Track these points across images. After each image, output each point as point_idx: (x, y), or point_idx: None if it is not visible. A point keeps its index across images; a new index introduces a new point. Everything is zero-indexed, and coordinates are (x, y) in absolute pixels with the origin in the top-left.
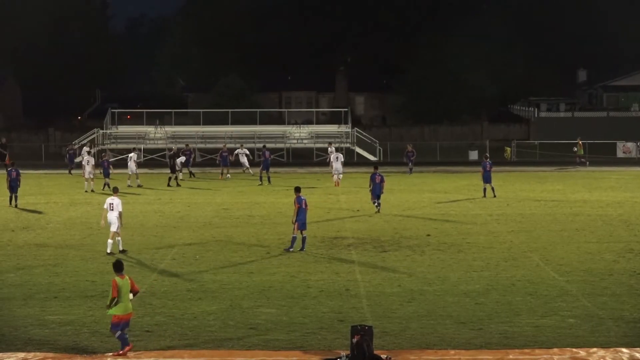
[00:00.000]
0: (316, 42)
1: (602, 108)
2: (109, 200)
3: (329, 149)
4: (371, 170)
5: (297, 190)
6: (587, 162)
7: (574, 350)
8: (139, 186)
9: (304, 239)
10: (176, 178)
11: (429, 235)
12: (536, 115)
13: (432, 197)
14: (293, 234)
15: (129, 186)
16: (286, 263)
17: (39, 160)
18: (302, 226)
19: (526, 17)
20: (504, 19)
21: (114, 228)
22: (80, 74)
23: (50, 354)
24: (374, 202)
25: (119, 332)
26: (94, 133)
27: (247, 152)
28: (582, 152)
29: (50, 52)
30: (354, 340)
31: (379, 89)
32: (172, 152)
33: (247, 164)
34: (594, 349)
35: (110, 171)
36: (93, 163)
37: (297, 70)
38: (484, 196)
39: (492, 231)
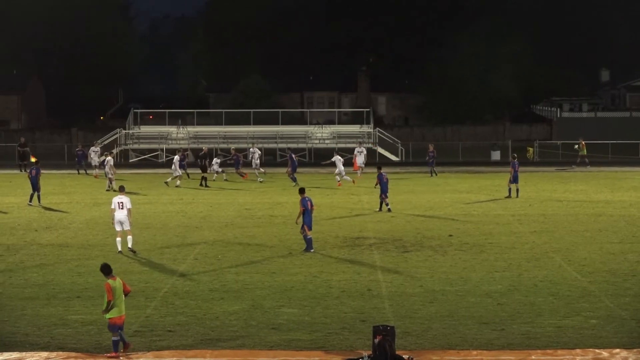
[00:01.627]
0: (338, 43)
1: (625, 108)
2: (117, 199)
3: (358, 148)
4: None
5: (302, 191)
6: (589, 163)
7: (597, 351)
8: (176, 186)
9: (309, 240)
10: (205, 179)
11: (451, 235)
12: (559, 116)
13: (454, 198)
14: (308, 236)
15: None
16: (308, 263)
17: (62, 160)
18: (309, 227)
19: (549, 17)
20: (526, 19)
21: (125, 227)
22: (103, 74)
23: (73, 354)
24: (386, 203)
25: (118, 334)
26: (116, 133)
27: (259, 152)
28: (585, 152)
29: (74, 52)
30: (376, 340)
31: (401, 89)
32: (202, 153)
33: (258, 164)
34: (617, 350)
35: (111, 170)
36: (112, 163)
37: (319, 71)
38: (509, 196)
39: (515, 231)
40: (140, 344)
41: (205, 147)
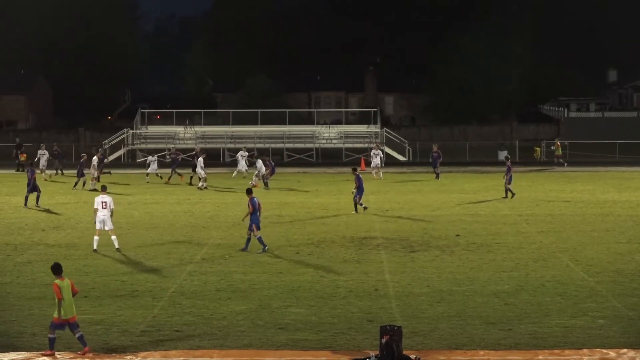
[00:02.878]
0: (345, 42)
1: (632, 108)
2: (99, 198)
3: (374, 150)
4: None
5: (249, 192)
6: (565, 163)
7: (604, 351)
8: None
9: (248, 240)
10: (200, 178)
11: (458, 235)
12: (566, 115)
13: (461, 198)
14: (257, 235)
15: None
16: (315, 263)
17: (69, 160)
18: (257, 227)
19: (556, 17)
20: (534, 19)
21: (107, 227)
22: (110, 74)
23: (80, 353)
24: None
25: (54, 333)
26: (123, 133)
27: (247, 154)
28: (560, 152)
29: (80, 52)
30: (383, 340)
31: (408, 89)
32: (194, 152)
33: (244, 166)
34: (624, 350)
35: (94, 169)
36: (95, 163)
37: (327, 71)
38: (505, 197)
39: (522, 231)
40: (148, 344)
41: (198, 146)
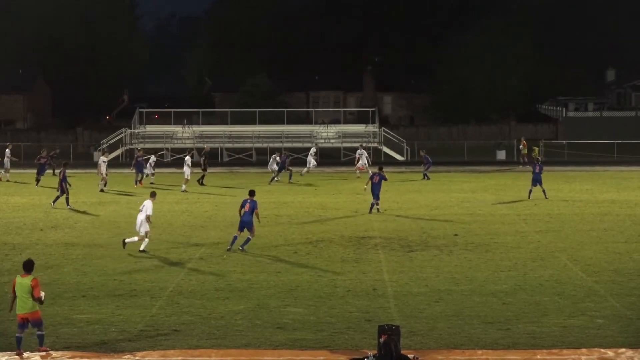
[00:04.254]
0: (344, 42)
1: (630, 107)
2: (144, 202)
3: (358, 150)
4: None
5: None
6: (527, 163)
7: (602, 350)
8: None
9: (235, 239)
10: (202, 177)
11: (456, 235)
12: (564, 115)
13: (459, 197)
14: (237, 235)
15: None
16: (313, 262)
17: (67, 160)
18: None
19: (555, 16)
20: (532, 18)
21: (141, 230)
22: (108, 74)
23: (79, 353)
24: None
25: (18, 332)
26: (122, 132)
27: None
28: (526, 152)
29: (80, 52)
30: (381, 339)
31: (407, 89)
32: (203, 152)
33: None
34: (622, 350)
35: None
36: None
37: (325, 70)
38: (529, 198)
39: (520, 231)
40: (146, 343)
41: (207, 146)
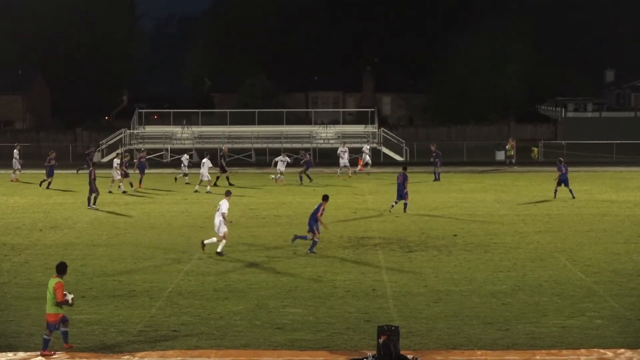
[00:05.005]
0: (343, 43)
1: (629, 108)
2: (220, 202)
3: (341, 148)
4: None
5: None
6: (515, 166)
7: (601, 351)
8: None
9: (302, 237)
10: (218, 178)
11: (455, 235)
12: (563, 115)
13: (458, 197)
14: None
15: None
16: (312, 263)
17: (66, 160)
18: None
19: (554, 17)
20: (531, 19)
21: (219, 230)
22: (108, 74)
23: (78, 353)
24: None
25: (46, 333)
26: (121, 133)
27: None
28: (513, 153)
29: (79, 52)
30: (381, 340)
31: (406, 89)
32: (221, 153)
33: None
34: (621, 350)
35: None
36: (116, 165)
37: (324, 71)
38: (555, 197)
39: (519, 231)
40: (145, 344)
41: (225, 147)
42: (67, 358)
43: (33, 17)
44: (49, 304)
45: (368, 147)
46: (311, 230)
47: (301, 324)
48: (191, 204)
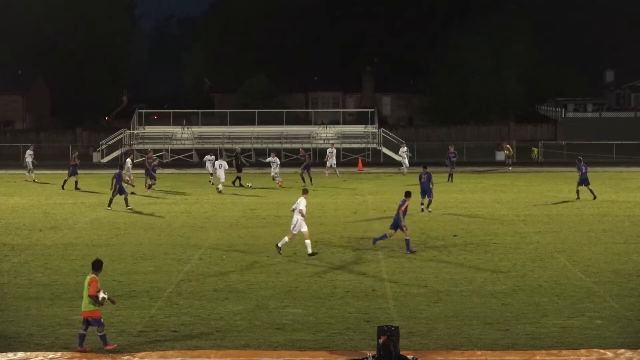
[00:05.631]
0: (343, 43)
1: (629, 108)
2: (298, 199)
3: (330, 149)
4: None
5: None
6: (510, 167)
7: (601, 351)
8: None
9: (384, 236)
10: (239, 179)
11: (455, 235)
12: (563, 116)
13: (458, 198)
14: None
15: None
16: (313, 263)
17: (66, 160)
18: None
19: (554, 17)
20: (531, 19)
21: (294, 229)
22: (108, 74)
23: (78, 354)
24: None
25: (82, 328)
26: (121, 133)
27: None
28: (510, 154)
29: (79, 52)
30: (381, 340)
31: (406, 89)
32: (235, 153)
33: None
34: (622, 350)
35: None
36: (129, 166)
37: (324, 71)
38: (578, 198)
39: (519, 232)
40: (145, 344)
41: (237, 146)
42: (68, 358)
43: (33, 17)
44: (85, 301)
45: (406, 149)
46: (399, 228)
47: (301, 324)
48: (191, 204)
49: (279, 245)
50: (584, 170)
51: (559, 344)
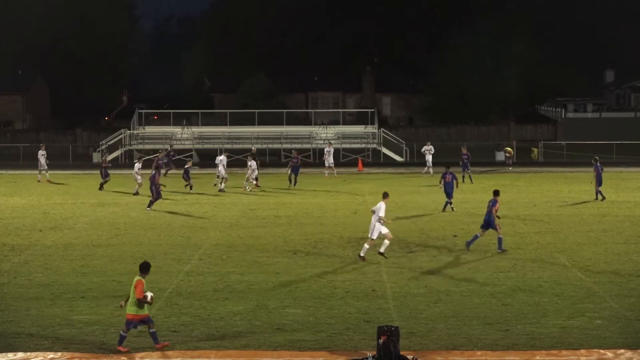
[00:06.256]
0: (343, 43)
1: (629, 108)
2: (378, 203)
3: (327, 148)
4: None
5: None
6: (510, 167)
7: (601, 351)
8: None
9: (476, 237)
10: (256, 179)
11: (455, 235)
12: (563, 116)
13: (458, 198)
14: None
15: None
16: (312, 264)
17: (66, 161)
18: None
19: (554, 17)
20: (531, 19)
21: (372, 234)
22: (107, 75)
23: (78, 354)
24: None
25: (123, 329)
26: (121, 134)
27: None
28: (510, 155)
29: (79, 52)
30: (381, 340)
31: (406, 90)
32: (251, 153)
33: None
34: (621, 351)
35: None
36: (137, 169)
37: (324, 71)
38: (596, 199)
39: (519, 232)
40: (145, 344)
41: (253, 147)
42: (68, 359)
43: (33, 17)
44: (130, 303)
45: (430, 147)
46: (491, 227)
47: (301, 324)
48: (191, 205)
49: (362, 255)
50: (600, 171)
51: (559, 344)
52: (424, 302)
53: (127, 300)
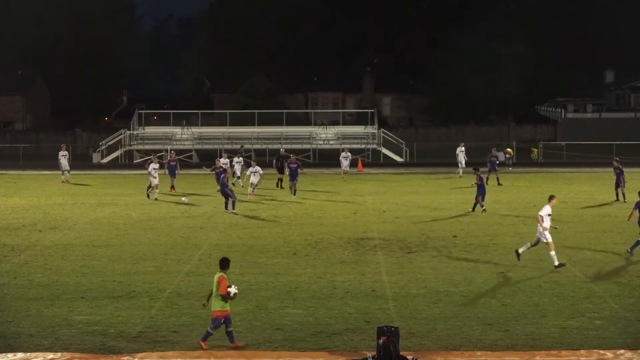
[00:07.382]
0: (343, 43)
1: (629, 109)
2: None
3: (343, 153)
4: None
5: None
6: (510, 167)
7: (601, 352)
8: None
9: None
10: (281, 180)
11: (455, 236)
12: (563, 116)
13: (458, 198)
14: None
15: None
16: (312, 264)
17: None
18: None
19: (554, 18)
20: (531, 19)
21: (548, 237)
22: (107, 75)
23: (77, 354)
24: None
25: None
26: (121, 134)
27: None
28: (510, 156)
29: (78, 52)
30: (380, 341)
31: (406, 90)
32: (278, 155)
33: (238, 172)
34: (621, 351)
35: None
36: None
37: (324, 71)
38: (617, 200)
39: (519, 232)
40: (145, 345)
41: (282, 148)
42: (68, 359)
43: (33, 17)
44: (214, 299)
45: (463, 148)
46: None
47: (301, 324)
48: (191, 205)
49: (557, 264)
50: (618, 171)
51: (558, 345)
52: (424, 303)
53: (209, 299)
